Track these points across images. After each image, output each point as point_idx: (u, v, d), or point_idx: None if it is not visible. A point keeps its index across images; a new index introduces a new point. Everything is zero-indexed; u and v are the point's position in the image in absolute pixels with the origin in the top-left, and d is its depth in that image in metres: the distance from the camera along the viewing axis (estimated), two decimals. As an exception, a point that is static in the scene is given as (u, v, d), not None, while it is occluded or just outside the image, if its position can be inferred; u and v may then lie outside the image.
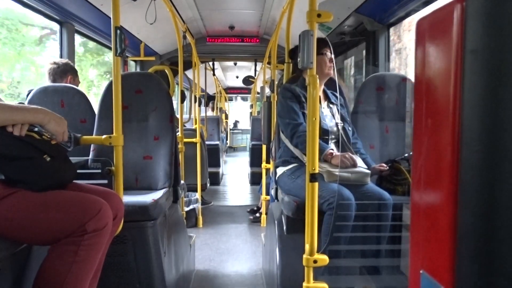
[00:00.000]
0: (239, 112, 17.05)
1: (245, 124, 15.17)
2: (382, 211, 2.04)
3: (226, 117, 12.82)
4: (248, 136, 8.95)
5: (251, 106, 11.50)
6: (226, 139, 12.17)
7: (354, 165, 2.10)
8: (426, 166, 0.54)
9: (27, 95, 2.53)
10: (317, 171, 1.57)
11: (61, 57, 3.23)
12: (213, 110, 10.06)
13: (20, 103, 1.57)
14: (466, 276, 0.48)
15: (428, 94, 0.53)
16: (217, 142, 7.44)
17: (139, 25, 4.09)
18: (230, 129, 14.42)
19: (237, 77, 11.56)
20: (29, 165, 1.36)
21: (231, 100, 16.15)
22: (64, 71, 2.76)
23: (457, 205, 0.47)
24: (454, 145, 0.47)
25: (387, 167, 2.28)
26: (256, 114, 9.18)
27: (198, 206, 4.38)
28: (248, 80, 9.12)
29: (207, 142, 6.07)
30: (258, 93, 8.66)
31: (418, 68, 0.55)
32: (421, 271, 0.56)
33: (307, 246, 1.59)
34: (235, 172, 8.96)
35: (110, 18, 1.74)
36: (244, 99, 16.46)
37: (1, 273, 1.33)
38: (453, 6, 0.47)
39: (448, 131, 0.48)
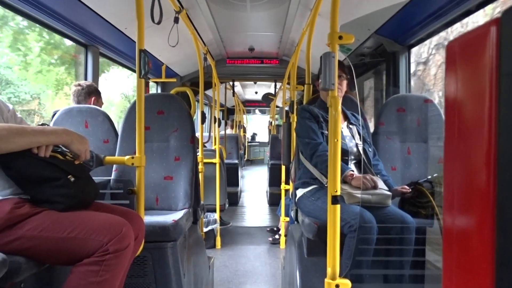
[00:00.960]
0: (257, 125, 17.12)
1: (263, 137, 15.21)
2: (405, 234, 2.00)
3: (244, 131, 12.86)
4: (266, 149, 8.93)
5: (270, 123, 11.52)
6: (244, 154, 12.19)
7: (375, 186, 2.07)
8: (460, 191, 0.52)
9: (53, 116, 2.60)
10: (339, 193, 1.55)
11: (85, 79, 3.31)
12: (232, 128, 10.11)
13: (43, 124, 1.60)
14: None
15: (460, 118, 0.52)
16: (236, 161, 7.45)
17: (160, 47, 4.18)
18: (248, 142, 14.48)
19: (256, 92, 11.61)
20: (54, 186, 1.39)
21: (249, 112, 16.22)
22: (88, 93, 2.83)
23: (494, 231, 0.46)
24: (490, 168, 0.46)
25: (410, 189, 2.24)
26: (275, 132, 9.17)
27: (217, 226, 4.37)
28: (267, 98, 9.15)
29: (226, 161, 6.08)
30: (277, 106, 8.66)
31: (449, 91, 0.54)
32: None
33: (329, 270, 1.55)
34: (253, 190, 8.92)
35: (133, 41, 1.78)
36: (262, 112, 16.50)
37: None
38: (488, 28, 0.46)
39: (483, 155, 0.47)
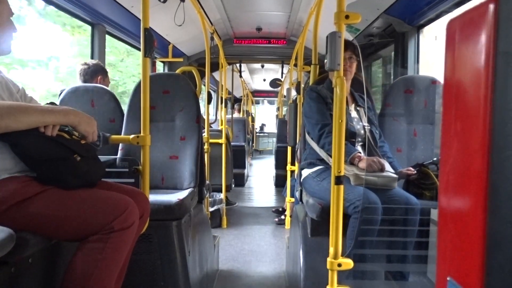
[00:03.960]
0: (266, 115, 17.05)
1: (272, 127, 15.19)
2: (409, 215, 2.00)
3: (253, 120, 12.83)
4: (275, 139, 8.96)
5: (278, 108, 11.51)
6: (252, 142, 12.19)
7: (382, 169, 2.07)
8: (455, 171, 0.52)
9: (59, 95, 2.61)
10: (342, 173, 1.55)
11: (92, 57, 3.31)
12: (239, 112, 10.09)
13: (51, 102, 1.61)
14: (496, 285, 0.47)
15: (458, 97, 0.51)
16: (243, 144, 7.46)
17: (167, 26, 4.15)
18: (257, 132, 14.45)
19: (264, 80, 11.58)
20: (61, 164, 1.40)
21: (258, 103, 16.16)
22: (95, 72, 2.83)
23: (486, 211, 0.46)
24: (484, 149, 0.46)
25: (415, 171, 2.24)
26: (282, 117, 9.16)
27: (223, 206, 4.41)
28: (275, 83, 9.12)
29: (232, 143, 6.10)
30: (284, 96, 8.67)
31: (448, 70, 0.53)
32: (448, 278, 0.54)
33: (331, 249, 1.57)
34: (260, 175, 8.96)
35: (140, 20, 1.77)
36: (271, 102, 16.45)
37: (32, 267, 1.38)
38: (486, 7, 0.46)
39: (478, 135, 0.47)
